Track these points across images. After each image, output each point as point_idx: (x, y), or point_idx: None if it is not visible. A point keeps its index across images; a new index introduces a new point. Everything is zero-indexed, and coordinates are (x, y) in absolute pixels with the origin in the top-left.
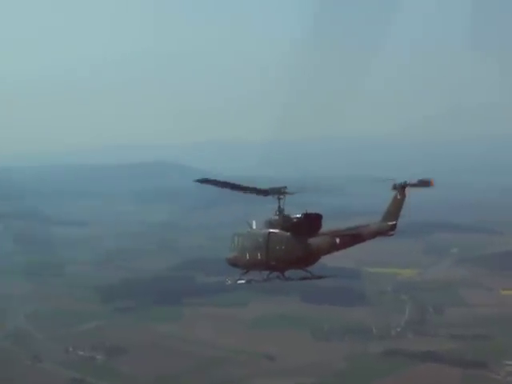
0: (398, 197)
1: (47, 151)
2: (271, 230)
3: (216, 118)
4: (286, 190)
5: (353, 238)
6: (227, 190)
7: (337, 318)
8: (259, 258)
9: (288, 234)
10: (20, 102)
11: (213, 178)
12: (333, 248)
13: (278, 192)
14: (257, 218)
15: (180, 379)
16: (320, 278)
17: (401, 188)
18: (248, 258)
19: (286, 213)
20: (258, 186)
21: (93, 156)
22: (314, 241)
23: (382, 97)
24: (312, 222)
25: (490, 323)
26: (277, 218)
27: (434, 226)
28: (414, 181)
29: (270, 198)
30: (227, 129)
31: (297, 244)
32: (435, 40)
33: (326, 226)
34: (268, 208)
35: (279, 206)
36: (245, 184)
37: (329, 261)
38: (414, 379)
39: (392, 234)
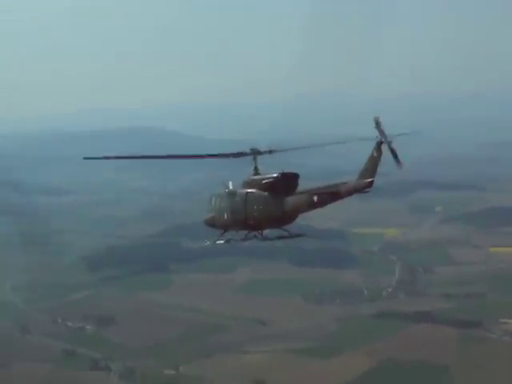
0: (375, 154)
1: (20, 117)
2: (248, 190)
3: (192, 79)
4: (260, 150)
5: (330, 195)
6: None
7: (327, 281)
8: (237, 217)
9: (265, 193)
10: None
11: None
12: (310, 206)
13: (251, 153)
14: (237, 180)
15: (171, 347)
16: (297, 236)
17: (377, 145)
18: (226, 218)
19: (263, 173)
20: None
21: (67, 121)
22: (291, 199)
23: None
24: (289, 180)
25: (481, 281)
26: (254, 177)
27: (416, 184)
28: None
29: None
30: (209, 90)
31: (274, 203)
32: None
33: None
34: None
35: (255, 167)
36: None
37: (314, 222)
38: (408, 340)
39: (368, 191)
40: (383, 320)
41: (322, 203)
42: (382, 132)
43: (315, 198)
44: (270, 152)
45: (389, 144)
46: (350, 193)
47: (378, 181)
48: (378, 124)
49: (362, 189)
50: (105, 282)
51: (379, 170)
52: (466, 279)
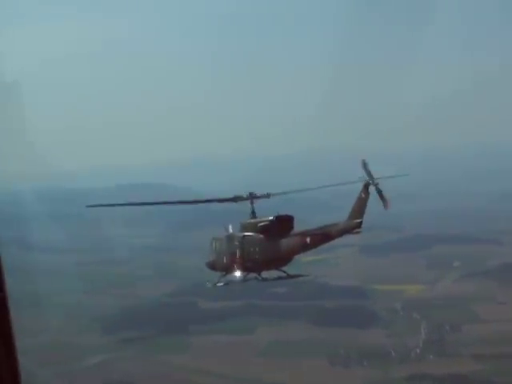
0: (362, 195)
1: (23, 174)
2: (245, 234)
3: (199, 135)
4: (256, 194)
5: (322, 236)
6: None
7: (351, 341)
8: (235, 260)
9: (261, 236)
10: None
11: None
12: (304, 247)
13: (247, 198)
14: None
15: None
16: (295, 277)
17: (364, 187)
18: (225, 261)
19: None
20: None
21: (71, 178)
22: (285, 241)
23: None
24: (284, 223)
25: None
26: (250, 221)
27: (431, 238)
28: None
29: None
30: (210, 146)
31: (270, 245)
32: None
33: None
34: None
35: (252, 210)
36: None
37: (332, 279)
38: None
39: (358, 232)
40: (416, 382)
41: (314, 244)
42: (369, 173)
43: (308, 240)
44: (267, 196)
45: (376, 185)
46: (340, 234)
47: (392, 236)
48: (365, 165)
49: (351, 230)
50: (122, 344)
51: (394, 225)
52: (496, 338)
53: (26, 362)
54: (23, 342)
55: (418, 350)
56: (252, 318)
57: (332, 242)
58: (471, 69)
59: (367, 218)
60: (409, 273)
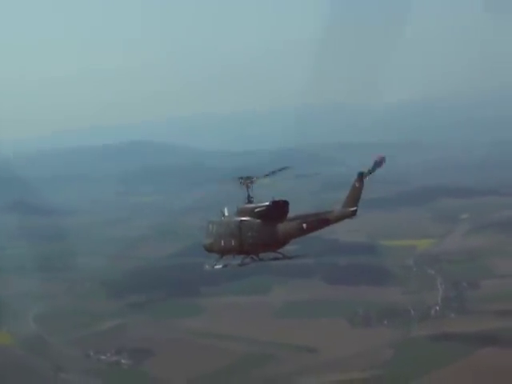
0: (357, 185)
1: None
2: (242, 218)
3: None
4: (253, 179)
5: (318, 222)
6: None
7: (368, 300)
8: (233, 244)
9: (258, 220)
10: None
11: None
12: (300, 232)
13: (245, 181)
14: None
15: (216, 380)
16: (291, 258)
17: (358, 177)
18: (223, 244)
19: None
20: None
21: (67, 138)
22: (282, 226)
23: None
24: (280, 208)
25: None
26: (247, 206)
27: (436, 191)
28: (368, 168)
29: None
30: (205, 103)
31: (266, 230)
32: None
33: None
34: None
35: (248, 195)
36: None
37: (340, 236)
38: (479, 368)
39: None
40: (441, 343)
41: (310, 230)
42: (374, 170)
43: (304, 226)
44: (263, 177)
45: (368, 174)
46: (335, 221)
47: (398, 188)
48: (379, 161)
49: (346, 217)
50: (132, 308)
51: (399, 178)
52: None
53: (39, 328)
54: (33, 309)
55: (437, 308)
56: (264, 276)
57: (338, 196)
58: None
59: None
60: (417, 227)
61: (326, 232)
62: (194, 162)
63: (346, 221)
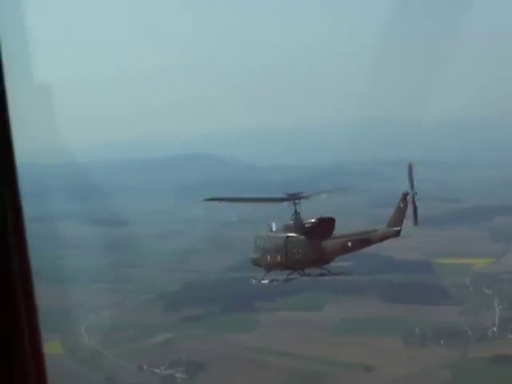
0: (401, 205)
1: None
2: (289, 234)
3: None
4: (302, 195)
5: (362, 242)
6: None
7: (423, 319)
8: (279, 259)
9: (303, 237)
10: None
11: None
12: (345, 251)
13: (293, 198)
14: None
15: None
16: (337, 275)
17: (403, 197)
18: (269, 259)
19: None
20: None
21: (118, 150)
22: (328, 243)
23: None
24: (326, 225)
25: None
26: (293, 222)
27: (492, 209)
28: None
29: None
30: (250, 117)
31: (312, 247)
32: None
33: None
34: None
35: (295, 211)
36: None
37: (395, 253)
38: None
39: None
40: (499, 364)
41: (355, 248)
42: (411, 181)
43: (349, 244)
44: (307, 197)
45: (413, 197)
46: (379, 240)
47: (450, 207)
48: (410, 171)
49: (390, 237)
50: (186, 322)
51: (451, 196)
52: None
53: (91, 339)
54: (86, 320)
55: (494, 329)
56: (318, 293)
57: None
58: None
59: (427, 187)
60: (473, 245)
61: (381, 249)
62: (244, 175)
63: (402, 238)
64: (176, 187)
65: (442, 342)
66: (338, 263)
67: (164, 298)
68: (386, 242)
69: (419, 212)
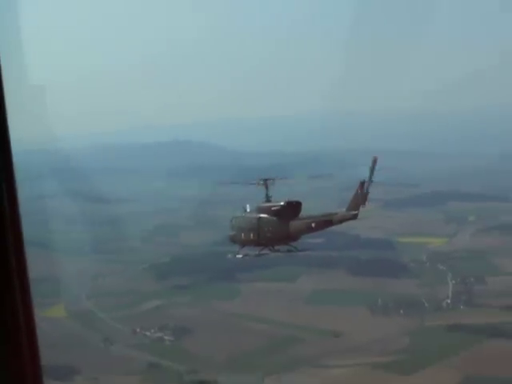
0: (359, 191)
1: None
2: (261, 215)
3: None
4: (270, 179)
5: (324, 223)
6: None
7: (386, 291)
8: (252, 237)
9: (274, 218)
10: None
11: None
12: (309, 230)
13: (264, 183)
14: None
15: (253, 360)
16: (303, 251)
17: (360, 184)
18: (243, 237)
19: (272, 199)
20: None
21: (120, 136)
22: (294, 224)
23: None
24: (293, 208)
25: None
26: (265, 204)
27: (446, 195)
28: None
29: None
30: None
31: (281, 226)
32: None
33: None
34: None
35: (266, 194)
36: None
37: (361, 232)
38: (488, 356)
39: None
40: (452, 333)
41: (318, 228)
42: (372, 172)
43: (313, 225)
44: (273, 182)
45: (367, 185)
46: (339, 222)
47: (410, 192)
48: (373, 163)
49: (349, 219)
50: (175, 290)
51: (410, 182)
52: None
53: (91, 304)
54: (87, 287)
55: (448, 300)
56: (292, 267)
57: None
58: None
59: (392, 174)
60: (429, 226)
61: (349, 228)
62: (229, 162)
63: (367, 218)
64: (175, 171)
65: (401, 311)
66: (310, 240)
67: (156, 268)
68: (352, 222)
69: (383, 196)
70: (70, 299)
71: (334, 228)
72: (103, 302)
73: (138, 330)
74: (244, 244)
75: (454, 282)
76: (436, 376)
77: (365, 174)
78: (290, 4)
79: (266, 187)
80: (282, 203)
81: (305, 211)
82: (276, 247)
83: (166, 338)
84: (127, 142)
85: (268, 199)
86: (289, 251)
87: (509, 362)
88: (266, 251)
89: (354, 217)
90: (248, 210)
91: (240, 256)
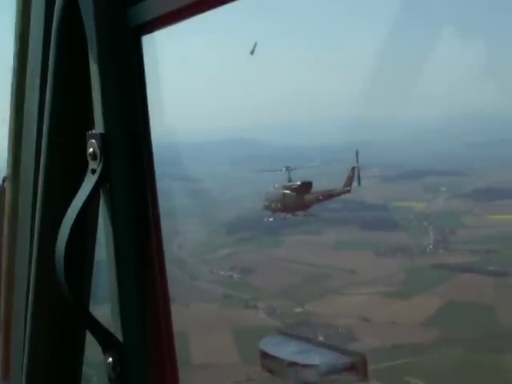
0: (350, 174)
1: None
2: (284, 191)
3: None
4: (292, 168)
5: (328, 196)
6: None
7: (387, 241)
8: (279, 206)
9: (293, 193)
10: None
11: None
12: (318, 201)
13: (288, 169)
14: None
15: (296, 290)
16: (315, 215)
17: (352, 169)
18: (273, 206)
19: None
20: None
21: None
22: (307, 197)
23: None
24: (306, 186)
25: (490, 241)
26: (287, 184)
27: (423, 172)
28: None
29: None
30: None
31: (298, 199)
32: None
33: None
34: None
35: (289, 177)
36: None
37: (367, 199)
38: (460, 286)
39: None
40: (436, 270)
41: (323, 200)
42: (357, 160)
43: (320, 197)
44: (294, 169)
45: (358, 170)
46: (337, 195)
47: (397, 171)
48: (356, 154)
49: (344, 193)
50: (240, 242)
51: (395, 162)
52: (480, 239)
53: (180, 252)
54: (178, 240)
55: (430, 247)
56: (319, 225)
57: (362, 174)
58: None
59: (386, 155)
60: (413, 194)
61: (357, 196)
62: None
63: (369, 189)
64: (237, 160)
65: (398, 254)
66: (331, 205)
67: (226, 226)
68: (359, 192)
69: (379, 174)
70: (166, 249)
71: (347, 197)
72: (189, 250)
73: (214, 270)
74: (274, 211)
75: (434, 233)
76: (426, 299)
77: (360, 161)
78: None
79: (288, 172)
80: (298, 183)
81: (315, 188)
82: (296, 213)
83: (235, 275)
84: (207, 140)
85: (289, 180)
86: (304, 216)
87: (475, 289)
88: (289, 215)
89: (348, 191)
90: (277, 186)
91: (271, 219)
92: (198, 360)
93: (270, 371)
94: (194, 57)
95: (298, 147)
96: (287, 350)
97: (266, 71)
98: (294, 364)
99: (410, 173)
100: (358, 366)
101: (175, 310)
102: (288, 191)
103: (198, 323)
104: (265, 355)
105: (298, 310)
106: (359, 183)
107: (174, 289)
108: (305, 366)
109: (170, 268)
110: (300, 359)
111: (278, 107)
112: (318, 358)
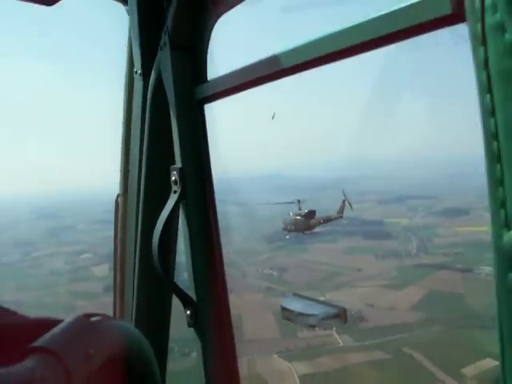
0: (342, 204)
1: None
2: (296, 217)
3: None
4: (301, 200)
5: (327, 219)
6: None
7: (382, 246)
8: (293, 228)
9: (302, 218)
10: None
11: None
12: (319, 224)
13: (298, 202)
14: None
15: (318, 283)
16: (316, 233)
17: (342, 202)
18: (288, 228)
19: (303, 209)
20: None
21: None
22: (312, 221)
23: None
24: (311, 213)
25: (457, 246)
26: (298, 211)
27: (405, 197)
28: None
29: None
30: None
31: (305, 222)
32: None
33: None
34: None
35: (299, 207)
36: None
37: (367, 216)
38: (438, 280)
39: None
40: (419, 268)
41: (324, 223)
42: (344, 196)
43: (321, 221)
44: (302, 201)
45: (348, 202)
46: (334, 219)
47: (386, 196)
48: (343, 192)
49: (338, 218)
50: (277, 249)
51: (386, 189)
52: (450, 245)
53: (235, 258)
54: (232, 248)
55: (414, 251)
56: (333, 236)
57: (363, 199)
58: None
59: (378, 184)
60: (399, 213)
61: (360, 214)
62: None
63: (368, 209)
64: (277, 190)
65: (391, 257)
66: (342, 221)
67: (266, 238)
68: (361, 211)
69: (375, 198)
70: (224, 254)
71: (351, 215)
72: (240, 255)
73: (258, 269)
74: (289, 231)
75: (416, 241)
76: (413, 290)
77: (348, 195)
78: None
79: (299, 203)
80: (306, 211)
81: (318, 214)
82: (304, 232)
83: (274, 273)
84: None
85: (300, 209)
86: (311, 233)
87: (449, 282)
88: (300, 234)
89: (341, 217)
90: (291, 214)
91: (288, 237)
92: (249, 336)
93: (287, 319)
94: (239, 118)
95: (315, 178)
96: (298, 305)
97: (287, 128)
98: (301, 314)
99: (397, 197)
100: (342, 314)
101: (231, 299)
102: (298, 217)
103: (248, 308)
104: (284, 309)
105: (321, 298)
106: (351, 207)
107: (230, 283)
108: (308, 315)
109: (227, 268)
110: (305, 310)
111: (300, 150)
112: (317, 310)
